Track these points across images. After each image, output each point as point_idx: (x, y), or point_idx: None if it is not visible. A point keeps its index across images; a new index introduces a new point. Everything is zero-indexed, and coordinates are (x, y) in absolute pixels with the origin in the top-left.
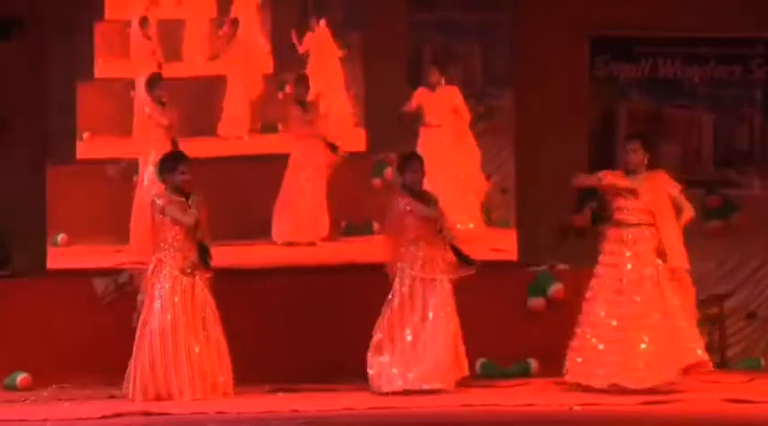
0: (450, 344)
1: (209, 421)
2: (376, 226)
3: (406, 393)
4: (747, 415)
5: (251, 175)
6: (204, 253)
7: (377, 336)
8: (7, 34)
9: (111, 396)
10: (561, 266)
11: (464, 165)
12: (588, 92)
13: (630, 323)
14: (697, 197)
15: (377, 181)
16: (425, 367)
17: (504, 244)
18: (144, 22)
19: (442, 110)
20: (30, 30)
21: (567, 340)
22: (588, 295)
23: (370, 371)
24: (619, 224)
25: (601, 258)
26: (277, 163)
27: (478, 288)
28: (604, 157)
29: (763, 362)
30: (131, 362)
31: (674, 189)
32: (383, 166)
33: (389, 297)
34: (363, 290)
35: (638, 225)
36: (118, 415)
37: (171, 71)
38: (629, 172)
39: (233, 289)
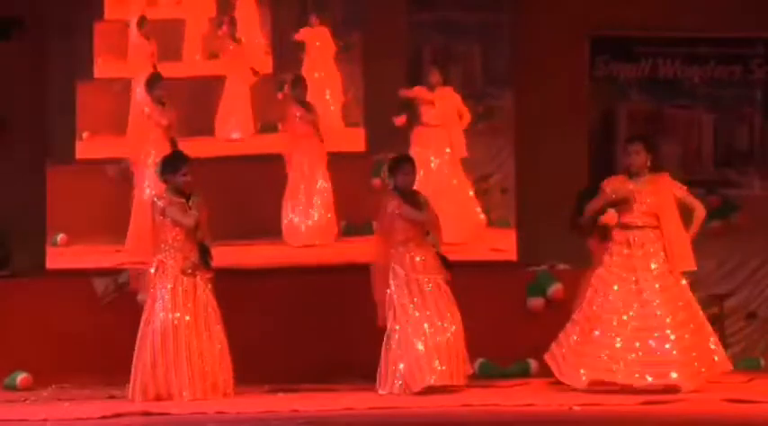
0: (462, 342)
1: (209, 421)
2: (376, 226)
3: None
4: (747, 415)
5: (251, 175)
6: (205, 254)
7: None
8: (7, 34)
9: (111, 396)
10: (561, 266)
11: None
12: (588, 92)
13: (652, 322)
14: (697, 197)
15: (376, 181)
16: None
17: (504, 244)
18: (142, 22)
19: (439, 110)
20: (30, 30)
21: None
22: (592, 295)
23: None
24: (624, 227)
25: (606, 259)
26: (277, 163)
27: (478, 288)
28: (604, 157)
29: (763, 362)
30: (134, 363)
31: (680, 190)
32: (383, 166)
33: (390, 294)
34: (363, 290)
35: (642, 227)
36: (118, 415)
37: (170, 71)
38: (632, 174)
39: (233, 289)
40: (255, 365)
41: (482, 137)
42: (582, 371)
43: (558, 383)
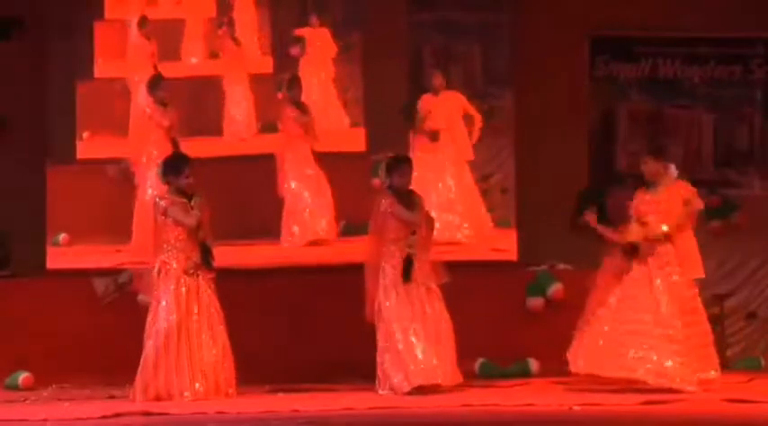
0: (450, 343)
1: (209, 421)
2: (370, 224)
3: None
4: (747, 415)
5: (251, 175)
6: (207, 254)
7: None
8: (7, 34)
9: (112, 396)
10: (561, 266)
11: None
12: (588, 92)
13: (657, 328)
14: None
15: (376, 182)
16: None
17: (504, 244)
18: (143, 22)
19: (444, 114)
20: (30, 30)
21: (567, 340)
22: (613, 299)
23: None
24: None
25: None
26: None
27: (478, 288)
28: (604, 157)
29: (763, 362)
30: (140, 363)
31: (688, 192)
32: (380, 165)
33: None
34: (363, 290)
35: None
36: (118, 415)
37: (170, 71)
38: (649, 184)
39: (233, 289)
40: (255, 365)
41: (482, 137)
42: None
43: (560, 383)
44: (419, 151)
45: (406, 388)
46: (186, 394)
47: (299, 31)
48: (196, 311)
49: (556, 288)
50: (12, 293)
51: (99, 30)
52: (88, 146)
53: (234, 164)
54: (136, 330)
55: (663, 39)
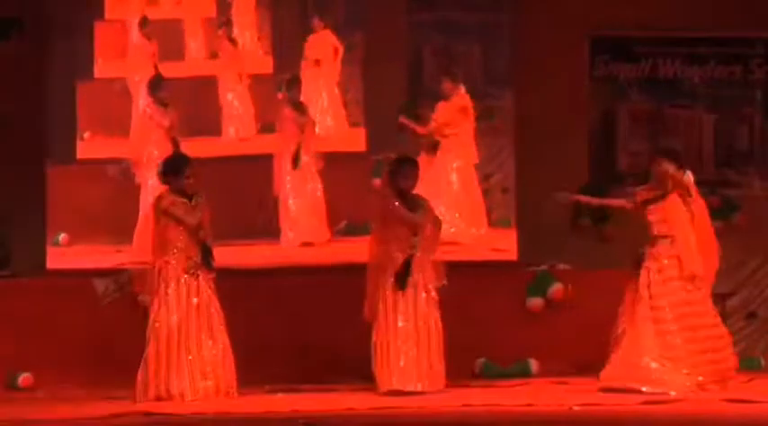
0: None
1: (210, 422)
2: (372, 225)
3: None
4: (747, 415)
5: (251, 175)
6: (207, 254)
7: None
8: (7, 34)
9: (111, 397)
10: (561, 266)
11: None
12: (588, 92)
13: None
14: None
15: (377, 182)
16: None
17: (504, 244)
18: (144, 22)
19: (454, 116)
20: (30, 30)
21: (567, 340)
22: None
23: None
24: (651, 239)
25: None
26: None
27: (478, 288)
28: (604, 157)
29: (763, 362)
30: (141, 364)
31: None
32: (383, 166)
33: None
34: (363, 290)
35: (664, 237)
36: (118, 415)
37: (170, 71)
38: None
39: (232, 289)
40: (255, 365)
41: (482, 137)
42: None
43: (560, 383)
44: (423, 152)
45: (383, 389)
46: (186, 394)
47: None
48: (196, 311)
49: (556, 288)
50: (12, 293)
51: (99, 30)
52: (88, 146)
53: (233, 164)
54: (136, 330)
55: (663, 39)
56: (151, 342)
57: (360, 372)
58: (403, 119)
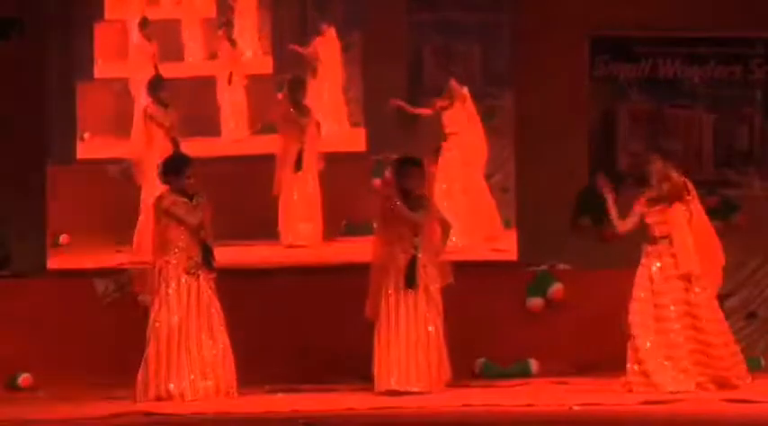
0: (437, 347)
1: (210, 422)
2: (375, 225)
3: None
4: (747, 415)
5: (251, 175)
6: (208, 254)
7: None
8: (7, 34)
9: (112, 396)
10: (561, 266)
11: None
12: (588, 92)
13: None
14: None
15: (377, 181)
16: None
17: (504, 244)
18: (144, 23)
19: (456, 116)
20: (29, 30)
21: (567, 340)
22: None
23: None
24: (651, 239)
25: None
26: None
27: (478, 288)
28: (604, 157)
29: (763, 362)
30: (141, 363)
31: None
32: (383, 166)
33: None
34: (363, 290)
35: (663, 237)
36: (118, 415)
37: (170, 71)
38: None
39: (232, 289)
40: (255, 365)
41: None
42: None
43: (560, 383)
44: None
45: (380, 389)
46: (186, 394)
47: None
48: (196, 311)
49: (556, 288)
50: (12, 293)
51: (99, 30)
52: (88, 147)
53: (233, 164)
54: (136, 330)
55: (663, 39)
56: (151, 342)
57: (360, 372)
58: (395, 101)
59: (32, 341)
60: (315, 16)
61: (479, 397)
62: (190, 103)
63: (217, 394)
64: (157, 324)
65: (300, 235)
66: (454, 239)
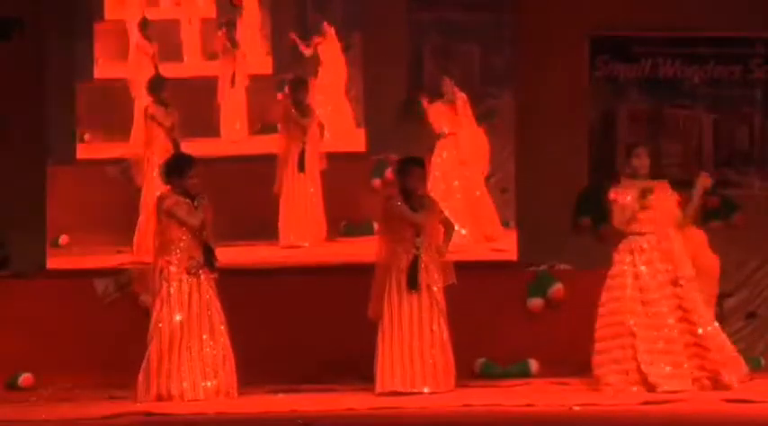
0: (442, 349)
1: (210, 422)
2: (376, 226)
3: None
4: (747, 415)
5: (251, 175)
6: (209, 254)
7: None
8: (7, 34)
9: (112, 396)
10: (561, 266)
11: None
12: (588, 92)
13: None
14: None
15: (377, 182)
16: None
17: (504, 244)
18: (144, 23)
19: (455, 117)
20: (29, 30)
21: (567, 340)
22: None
23: None
24: (630, 234)
25: (614, 270)
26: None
27: (478, 288)
28: (604, 157)
29: (763, 362)
30: (143, 364)
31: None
32: (383, 166)
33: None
34: (363, 290)
35: (646, 233)
36: (118, 415)
37: (170, 71)
38: (639, 177)
39: (232, 289)
40: (255, 365)
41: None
42: None
43: (560, 383)
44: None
45: (382, 390)
46: (187, 394)
47: (316, 42)
48: (197, 312)
49: (556, 288)
50: (12, 293)
51: (99, 30)
52: (88, 147)
53: (233, 164)
54: (136, 330)
55: (663, 39)
56: (153, 342)
57: (360, 372)
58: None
59: (32, 341)
60: (315, 16)
61: (479, 397)
62: (190, 103)
63: (217, 394)
64: (159, 325)
65: (301, 235)
66: (464, 232)
